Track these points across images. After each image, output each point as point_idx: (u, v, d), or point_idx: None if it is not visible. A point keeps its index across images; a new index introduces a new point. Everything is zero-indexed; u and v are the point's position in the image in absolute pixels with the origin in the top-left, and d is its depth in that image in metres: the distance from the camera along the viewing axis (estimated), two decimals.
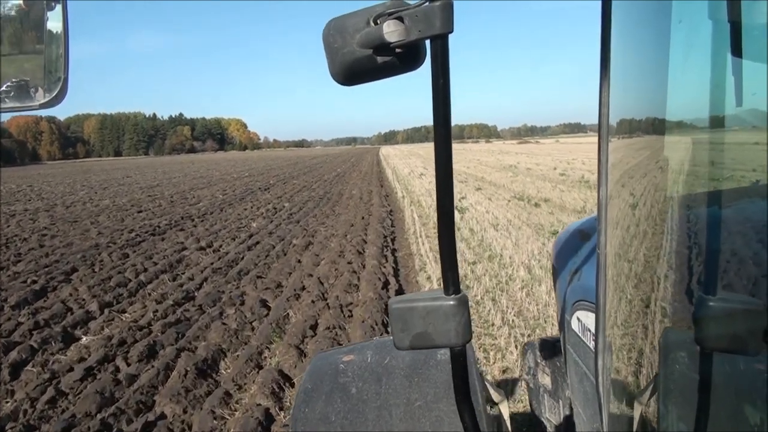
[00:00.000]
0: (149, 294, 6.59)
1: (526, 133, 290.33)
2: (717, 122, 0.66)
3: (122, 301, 6.31)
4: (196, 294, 6.48)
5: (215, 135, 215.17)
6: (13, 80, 1.00)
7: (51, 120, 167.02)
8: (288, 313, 5.60)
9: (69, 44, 0.98)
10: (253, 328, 5.32)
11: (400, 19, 0.61)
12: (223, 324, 5.29)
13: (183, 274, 7.53)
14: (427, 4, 0.60)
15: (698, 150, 0.72)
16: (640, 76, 0.82)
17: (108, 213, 15.35)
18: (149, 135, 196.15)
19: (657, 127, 0.78)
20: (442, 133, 0.63)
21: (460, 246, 8.88)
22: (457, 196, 15.94)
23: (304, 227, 11.25)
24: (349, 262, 7.65)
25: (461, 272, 6.89)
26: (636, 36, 0.82)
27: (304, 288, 6.58)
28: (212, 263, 8.01)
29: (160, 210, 15.60)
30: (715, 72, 0.63)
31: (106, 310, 5.92)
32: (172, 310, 5.79)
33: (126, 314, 5.89)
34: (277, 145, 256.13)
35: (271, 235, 10.30)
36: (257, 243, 9.55)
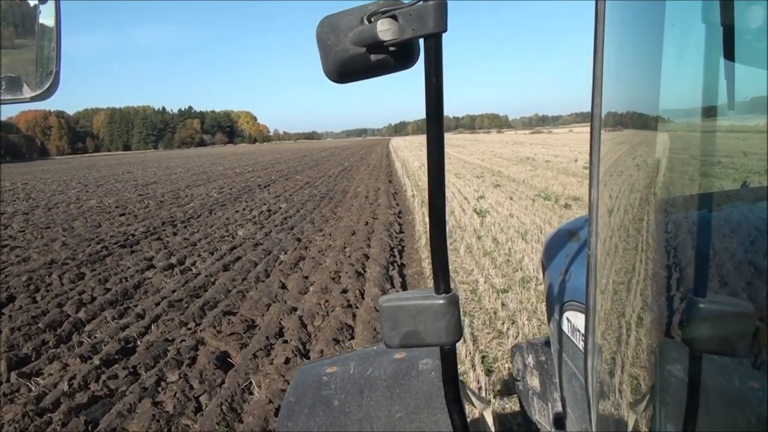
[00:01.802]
0: (80, 343, 5.01)
1: (538, 122, 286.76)
2: (709, 124, 0.66)
3: (43, 355, 4.74)
4: (138, 343, 4.89)
5: (225, 128, 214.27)
6: (4, 74, 0.99)
7: (60, 115, 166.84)
8: (250, 383, 4.00)
9: (61, 38, 0.97)
10: (197, 410, 3.72)
11: (394, 17, 0.60)
12: (155, 404, 3.70)
13: (135, 307, 5.96)
14: (420, 3, 0.60)
15: (690, 152, 0.72)
16: (632, 78, 0.82)
17: (87, 216, 13.86)
18: (158, 129, 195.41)
19: (649, 128, 0.78)
20: (435, 131, 0.63)
21: (484, 263, 7.23)
22: (474, 194, 14.28)
23: (298, 236, 9.65)
24: (345, 291, 6.03)
25: (488, 304, 5.28)
26: (629, 39, 0.81)
27: (281, 333, 4.97)
28: (174, 291, 6.42)
29: (145, 213, 14.07)
30: (707, 75, 0.63)
31: (15, 373, 4.36)
32: (95, 375, 4.21)
33: (38, 379, 4.33)
34: (287, 138, 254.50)
35: (256, 248, 8.70)
36: (237, 259, 7.95)
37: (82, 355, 4.61)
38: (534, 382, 2.09)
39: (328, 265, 7.32)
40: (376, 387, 1.37)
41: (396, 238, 9.21)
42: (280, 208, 13.66)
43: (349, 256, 7.70)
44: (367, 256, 7.69)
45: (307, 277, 6.83)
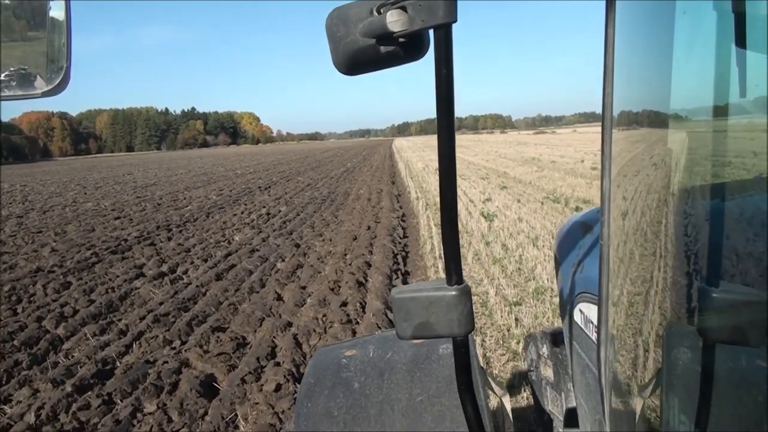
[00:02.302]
0: (55, 364, 4.58)
1: (541, 123, 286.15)
2: (721, 114, 0.65)
3: (14, 378, 4.31)
4: (117, 365, 4.46)
5: (228, 129, 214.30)
6: (15, 68, 0.99)
7: (63, 116, 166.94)
8: (236, 414, 3.56)
9: (71, 33, 0.97)
10: None
11: (404, 8, 0.60)
12: None
13: (118, 322, 5.52)
14: None
15: (702, 142, 0.72)
16: (643, 67, 0.80)
17: (81, 220, 13.46)
18: (161, 130, 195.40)
19: (660, 118, 0.77)
20: (446, 122, 0.63)
21: (494, 272, 6.78)
22: (480, 196, 13.82)
23: (297, 241, 9.21)
24: (344, 303, 5.59)
25: (500, 319, 4.82)
26: (640, 27, 0.79)
27: (273, 354, 4.53)
28: (162, 303, 5.98)
29: (140, 216, 13.66)
30: (719, 63, 0.63)
31: None
32: (66, 404, 3.78)
33: (5, 407, 3.90)
34: (291, 138, 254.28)
35: (252, 254, 8.26)
36: (231, 267, 7.52)
37: (54, 379, 4.18)
38: (547, 372, 2.07)
39: (328, 273, 6.88)
40: (396, 370, 1.36)
41: (399, 243, 8.77)
42: (280, 211, 13.23)
43: (350, 264, 7.26)
44: (369, 264, 7.25)
45: (304, 288, 6.39)
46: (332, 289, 6.15)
